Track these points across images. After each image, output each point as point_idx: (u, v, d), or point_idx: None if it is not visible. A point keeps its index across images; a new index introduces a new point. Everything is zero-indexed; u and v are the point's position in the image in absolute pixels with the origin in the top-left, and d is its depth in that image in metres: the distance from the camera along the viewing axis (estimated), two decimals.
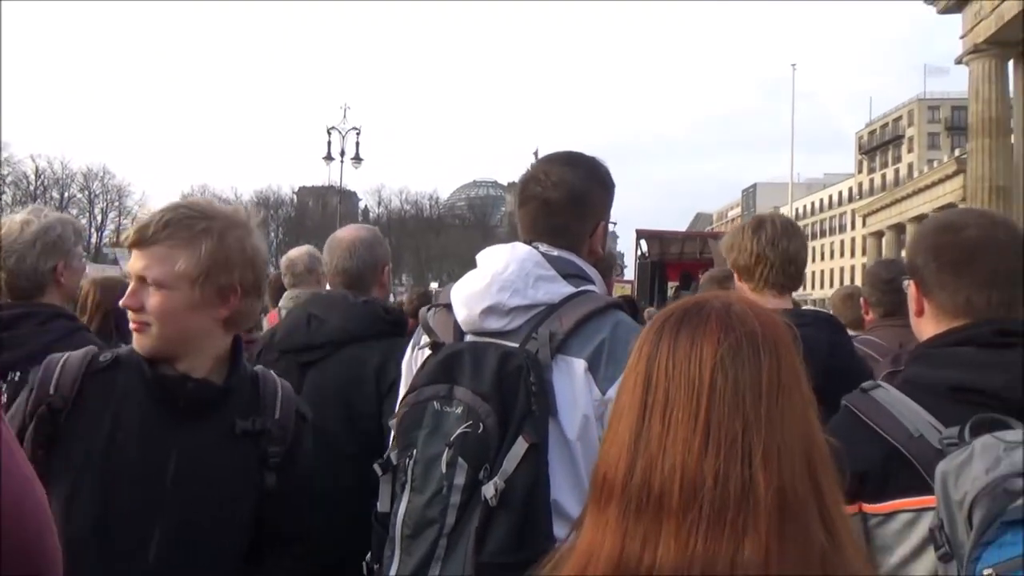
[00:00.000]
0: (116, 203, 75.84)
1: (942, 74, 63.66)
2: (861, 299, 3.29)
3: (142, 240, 1.50)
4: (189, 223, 1.50)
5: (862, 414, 1.37)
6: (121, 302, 1.52)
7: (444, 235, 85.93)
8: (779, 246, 2.23)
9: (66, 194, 67.48)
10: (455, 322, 1.56)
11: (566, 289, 1.52)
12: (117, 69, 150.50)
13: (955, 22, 27.65)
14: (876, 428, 1.33)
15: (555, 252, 1.60)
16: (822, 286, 76.60)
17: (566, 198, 1.62)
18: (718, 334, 0.88)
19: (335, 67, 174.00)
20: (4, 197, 58.43)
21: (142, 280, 1.50)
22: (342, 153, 27.13)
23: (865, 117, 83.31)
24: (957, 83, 48.90)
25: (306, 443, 1.65)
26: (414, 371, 1.59)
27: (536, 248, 1.58)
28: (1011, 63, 25.80)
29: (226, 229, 1.53)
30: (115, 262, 15.04)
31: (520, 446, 1.34)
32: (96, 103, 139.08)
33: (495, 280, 1.51)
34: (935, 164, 44.12)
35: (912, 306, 1.53)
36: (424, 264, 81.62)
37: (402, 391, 1.63)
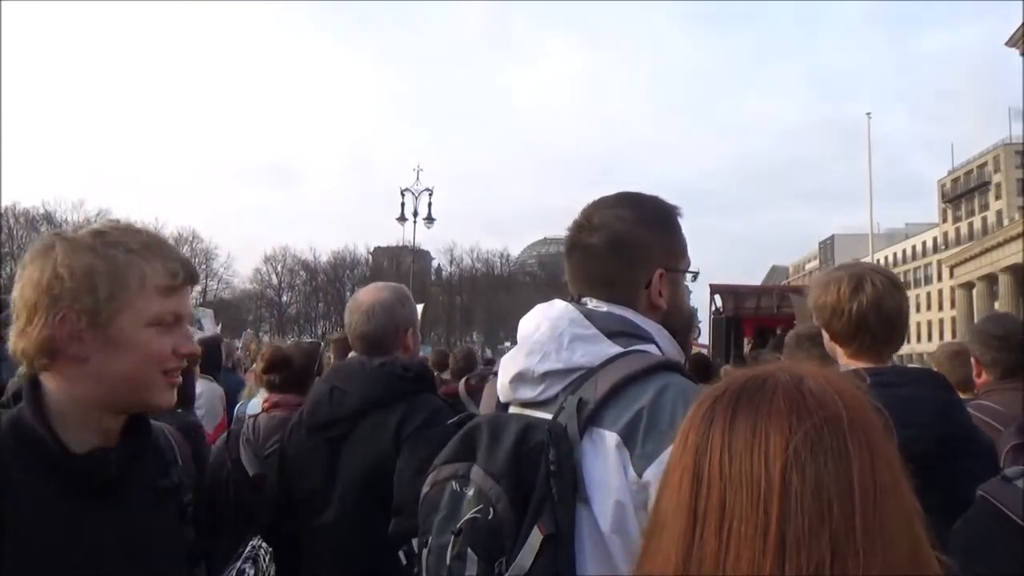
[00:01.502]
0: (203, 266, 79.52)
1: None
2: (972, 359, 2.97)
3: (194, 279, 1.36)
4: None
5: (1005, 507, 1.13)
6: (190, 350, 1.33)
7: (515, 292, 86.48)
8: (883, 309, 1.96)
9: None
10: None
11: (610, 350, 1.29)
12: (208, 135, 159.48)
13: None
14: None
15: (604, 308, 1.38)
16: (908, 341, 73.30)
17: (608, 243, 1.41)
18: (789, 419, 0.68)
19: (409, 127, 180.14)
20: None
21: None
22: (415, 213, 27.78)
23: (947, 164, 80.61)
24: None
25: (204, 455, 1.48)
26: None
27: (583, 304, 1.39)
28: None
29: None
30: (199, 322, 15.52)
31: (536, 537, 1.13)
32: (185, 167, 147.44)
33: (525, 343, 1.34)
34: None
35: None
36: (496, 322, 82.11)
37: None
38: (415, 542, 1.32)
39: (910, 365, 2.80)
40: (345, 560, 2.06)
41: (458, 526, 1.19)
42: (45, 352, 1.22)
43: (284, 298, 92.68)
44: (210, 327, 14.70)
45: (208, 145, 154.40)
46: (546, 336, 1.32)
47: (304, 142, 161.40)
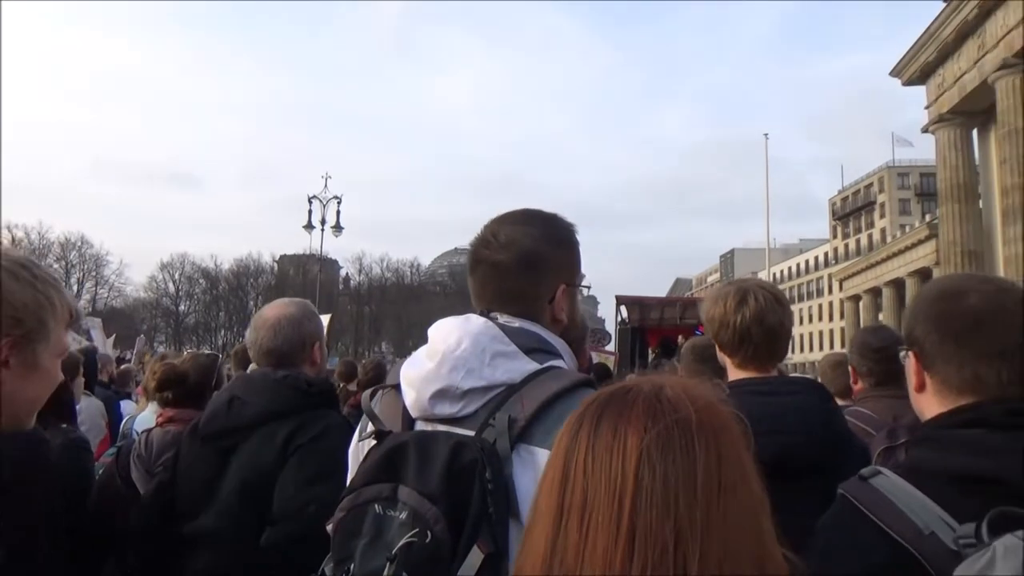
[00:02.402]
0: (93, 273, 75.40)
1: (907, 144, 65.65)
2: (849, 367, 3.17)
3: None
4: None
5: (864, 507, 1.21)
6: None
7: (425, 302, 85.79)
8: (765, 323, 2.09)
9: (43, 264, 67.01)
10: (404, 406, 1.36)
11: (528, 367, 1.32)
12: (94, 135, 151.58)
13: (921, 93, 28.64)
14: (880, 524, 1.17)
15: (515, 323, 1.40)
16: (801, 350, 77.04)
17: (517, 259, 1.43)
18: (644, 422, 0.74)
19: (316, 135, 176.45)
20: None
21: None
22: (323, 222, 27.21)
23: (839, 183, 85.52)
24: (924, 151, 50.50)
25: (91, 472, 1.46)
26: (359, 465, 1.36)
27: (494, 319, 1.39)
28: (975, 131, 26.63)
29: None
30: (87, 332, 14.67)
31: (476, 556, 1.12)
32: (73, 171, 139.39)
33: (446, 358, 1.31)
34: (907, 229, 45.02)
35: (912, 380, 1.39)
36: (405, 332, 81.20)
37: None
38: (327, 569, 1.25)
39: (793, 375, 2.96)
40: (222, 574, 2.00)
41: (393, 552, 1.14)
42: None
43: (182, 307, 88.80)
44: (99, 338, 13.93)
45: (98, 146, 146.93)
46: (468, 352, 1.31)
47: (205, 146, 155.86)
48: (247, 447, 2.08)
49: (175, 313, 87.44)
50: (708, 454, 0.74)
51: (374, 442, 1.33)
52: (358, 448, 1.46)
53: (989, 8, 22.51)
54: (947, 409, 1.29)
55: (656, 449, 0.73)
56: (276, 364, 2.27)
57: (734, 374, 2.16)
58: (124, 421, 5.09)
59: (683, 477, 0.72)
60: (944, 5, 24.93)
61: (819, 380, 3.61)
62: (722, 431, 0.77)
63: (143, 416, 4.17)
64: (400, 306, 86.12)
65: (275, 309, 2.38)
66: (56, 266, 69.81)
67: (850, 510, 1.24)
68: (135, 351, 15.52)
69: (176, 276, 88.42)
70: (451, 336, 1.34)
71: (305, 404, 2.14)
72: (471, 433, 1.25)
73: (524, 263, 1.44)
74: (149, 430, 2.71)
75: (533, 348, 1.37)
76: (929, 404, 1.35)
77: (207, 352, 3.17)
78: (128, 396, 7.20)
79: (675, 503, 0.71)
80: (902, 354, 1.42)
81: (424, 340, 1.40)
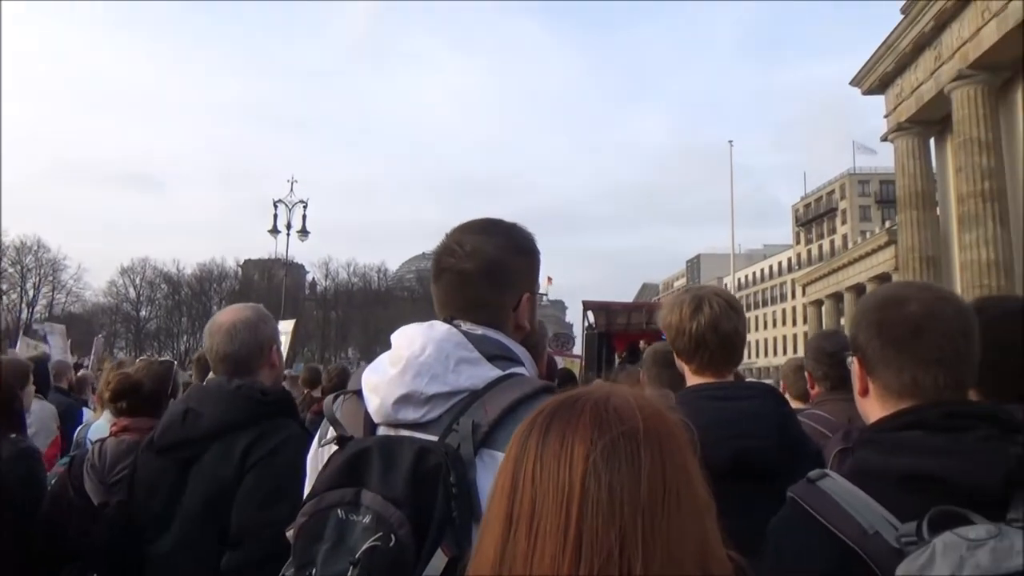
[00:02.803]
0: (50, 278, 73.67)
1: (869, 152, 67.12)
2: (806, 372, 3.24)
3: None
4: None
5: (812, 509, 1.25)
6: None
7: (392, 308, 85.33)
8: (720, 329, 2.12)
9: None
10: (366, 412, 1.36)
11: (491, 373, 1.34)
12: (53, 135, 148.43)
13: (881, 101, 29.29)
14: (827, 524, 1.21)
15: (478, 331, 1.43)
16: (765, 354, 78.23)
17: (482, 269, 1.45)
18: (591, 432, 0.77)
19: (283, 138, 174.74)
20: None
21: None
22: (288, 226, 26.91)
23: (802, 190, 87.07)
24: (885, 159, 51.68)
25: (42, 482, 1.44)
26: (320, 471, 1.36)
27: (457, 327, 1.41)
28: (932, 140, 27.30)
29: None
30: (44, 338, 14.31)
31: (439, 559, 1.13)
32: (29, 173, 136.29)
33: (411, 364, 1.32)
34: (867, 235, 46.04)
35: (856, 384, 1.44)
36: (372, 337, 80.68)
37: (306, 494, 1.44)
38: (288, 574, 1.24)
39: (751, 379, 3.01)
40: None
41: (356, 556, 1.15)
42: None
43: (143, 313, 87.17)
44: (60, 344, 13.59)
45: (56, 146, 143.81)
46: (432, 358, 1.32)
47: (168, 148, 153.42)
48: (207, 460, 2.05)
49: (136, 319, 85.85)
50: (653, 463, 0.76)
51: (335, 448, 1.33)
52: (318, 454, 1.46)
53: (945, 21, 23.09)
54: (889, 413, 1.34)
55: (602, 458, 0.75)
56: (233, 370, 2.25)
57: (691, 379, 2.19)
58: (78, 429, 4.98)
59: (628, 485, 0.74)
60: (902, 17, 25.55)
61: (781, 384, 3.68)
62: (668, 440, 0.79)
63: (97, 425, 4.09)
64: (367, 311, 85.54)
65: (229, 314, 2.35)
66: (11, 270, 68.31)
67: (799, 512, 1.27)
68: (92, 353, 15.16)
69: (137, 281, 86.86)
70: (415, 342, 1.35)
71: (261, 414, 2.11)
72: (434, 438, 1.26)
73: (489, 272, 1.46)
74: (103, 440, 2.66)
75: (496, 355, 1.39)
76: (872, 408, 1.40)
77: (161, 359, 3.12)
78: (87, 403, 7.05)
79: (620, 510, 0.73)
80: (848, 359, 1.47)
81: (390, 345, 1.41)
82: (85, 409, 6.58)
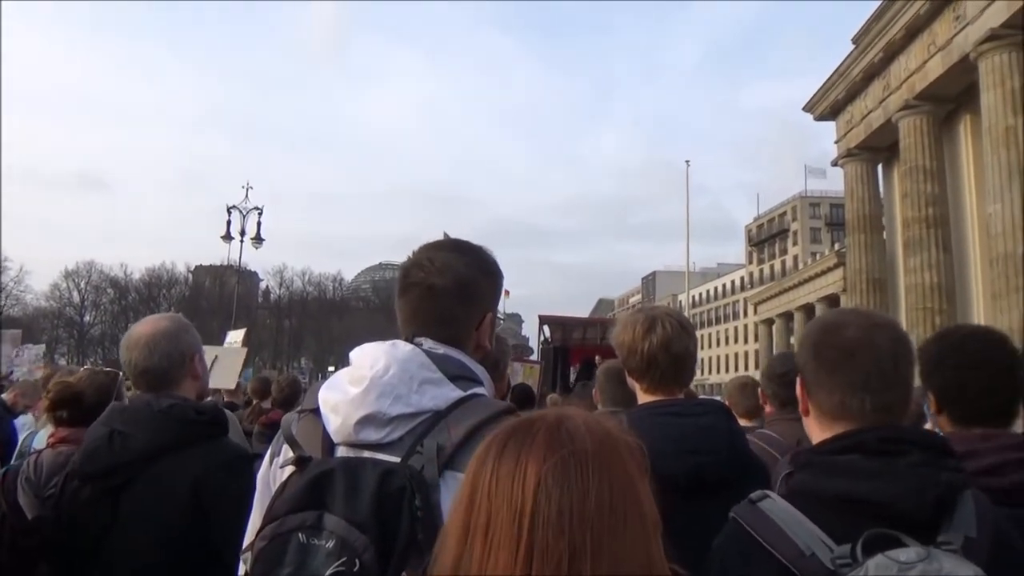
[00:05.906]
0: None
1: (820, 175, 68.89)
2: (759, 391, 3.32)
3: None
4: None
5: (752, 529, 1.28)
6: None
7: (348, 318, 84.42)
8: (672, 349, 2.15)
9: None
10: (324, 432, 1.33)
11: (453, 394, 1.33)
12: None
13: (831, 128, 30.13)
14: (766, 546, 1.24)
15: (440, 349, 1.42)
16: (717, 371, 79.48)
17: (451, 285, 1.46)
18: (543, 452, 0.82)
19: (240, 144, 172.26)
20: None
21: None
22: (242, 233, 26.44)
23: (754, 211, 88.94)
24: (835, 182, 53.13)
25: None
26: (272, 491, 1.33)
27: (419, 345, 1.40)
28: (880, 166, 28.18)
29: None
30: None
31: None
32: None
33: (374, 384, 1.30)
34: (817, 257, 47.19)
35: (800, 404, 1.49)
36: (326, 347, 79.72)
37: (254, 515, 1.40)
38: None
39: (702, 396, 3.07)
40: None
41: None
42: None
43: (87, 318, 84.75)
44: (7, 351, 12.98)
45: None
46: (396, 378, 1.31)
47: (118, 152, 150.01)
48: (146, 487, 1.93)
49: (79, 324, 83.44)
50: (601, 482, 0.81)
51: (291, 470, 1.30)
52: (270, 474, 1.43)
53: (894, 52, 23.91)
54: (824, 433, 1.39)
55: (552, 477, 0.80)
56: (155, 385, 2.13)
57: (643, 398, 2.22)
58: (23, 438, 4.80)
59: (576, 502, 0.79)
60: (854, 47, 26.38)
61: (727, 402, 3.75)
62: (615, 461, 0.84)
63: (43, 434, 3.94)
64: (321, 321, 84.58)
65: (146, 325, 2.22)
66: None
67: (740, 532, 1.30)
68: (23, 359, 14.43)
69: (82, 285, 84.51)
70: (379, 362, 1.33)
71: (197, 435, 2.02)
72: (396, 459, 1.25)
73: (458, 288, 1.47)
74: (40, 451, 2.57)
75: (457, 375, 1.38)
76: (812, 428, 1.45)
77: (107, 369, 3.02)
78: (16, 413, 6.74)
79: (569, 525, 0.78)
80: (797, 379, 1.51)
81: (345, 356, 1.40)
82: (21, 418, 6.35)
